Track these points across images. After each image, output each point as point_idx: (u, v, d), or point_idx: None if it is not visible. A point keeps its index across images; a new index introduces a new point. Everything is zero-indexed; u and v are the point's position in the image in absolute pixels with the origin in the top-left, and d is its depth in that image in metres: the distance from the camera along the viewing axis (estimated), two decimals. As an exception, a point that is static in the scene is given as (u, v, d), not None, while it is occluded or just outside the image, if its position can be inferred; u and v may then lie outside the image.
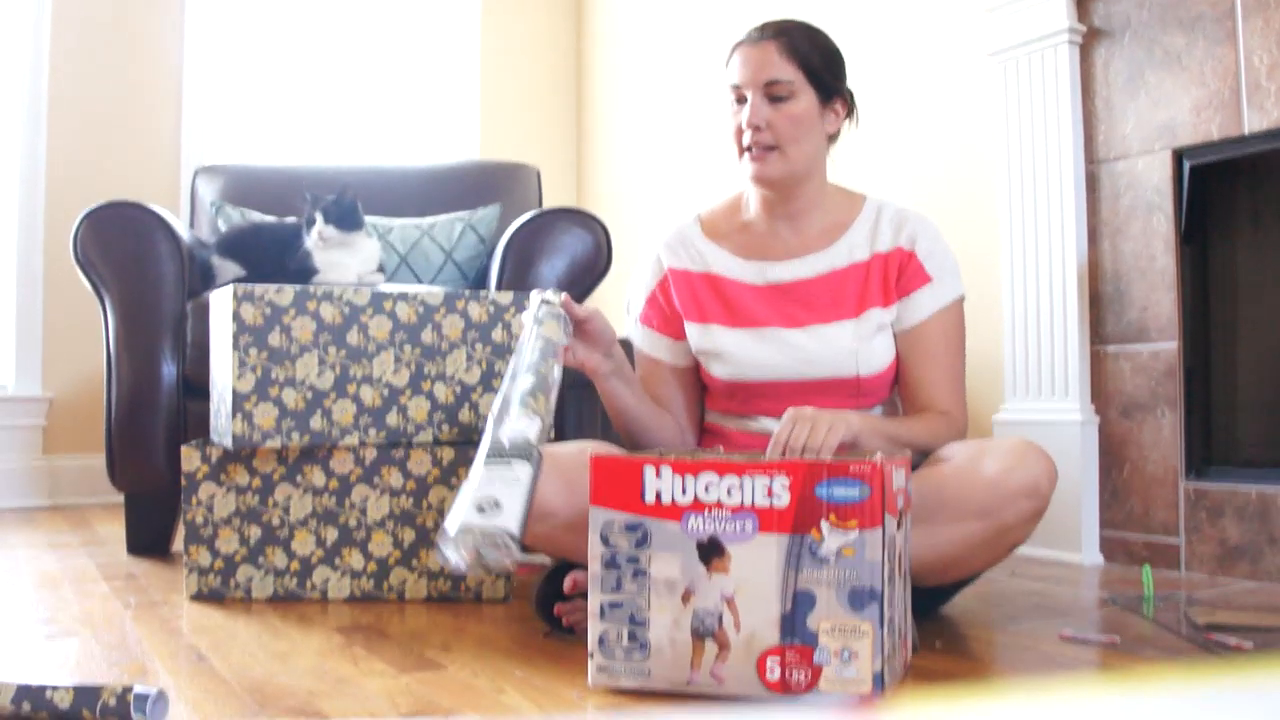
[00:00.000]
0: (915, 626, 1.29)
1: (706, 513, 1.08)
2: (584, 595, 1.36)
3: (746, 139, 1.47)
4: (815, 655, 1.04)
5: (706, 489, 1.08)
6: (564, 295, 1.39)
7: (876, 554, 1.04)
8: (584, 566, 1.35)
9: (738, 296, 1.53)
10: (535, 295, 1.39)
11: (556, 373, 1.25)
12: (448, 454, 1.70)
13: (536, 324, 1.31)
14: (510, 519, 1.03)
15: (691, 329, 1.55)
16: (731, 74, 1.49)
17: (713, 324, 1.53)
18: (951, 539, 1.30)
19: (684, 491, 1.09)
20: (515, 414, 1.15)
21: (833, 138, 1.53)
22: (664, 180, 3.27)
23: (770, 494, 1.07)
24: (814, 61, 1.46)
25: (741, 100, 1.48)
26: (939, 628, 1.45)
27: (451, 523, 1.02)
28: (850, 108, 1.53)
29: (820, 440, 1.26)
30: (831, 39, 1.51)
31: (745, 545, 1.07)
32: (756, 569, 1.07)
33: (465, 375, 1.73)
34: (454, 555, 1.01)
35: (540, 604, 1.42)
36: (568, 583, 1.34)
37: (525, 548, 1.11)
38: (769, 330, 1.51)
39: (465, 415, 1.73)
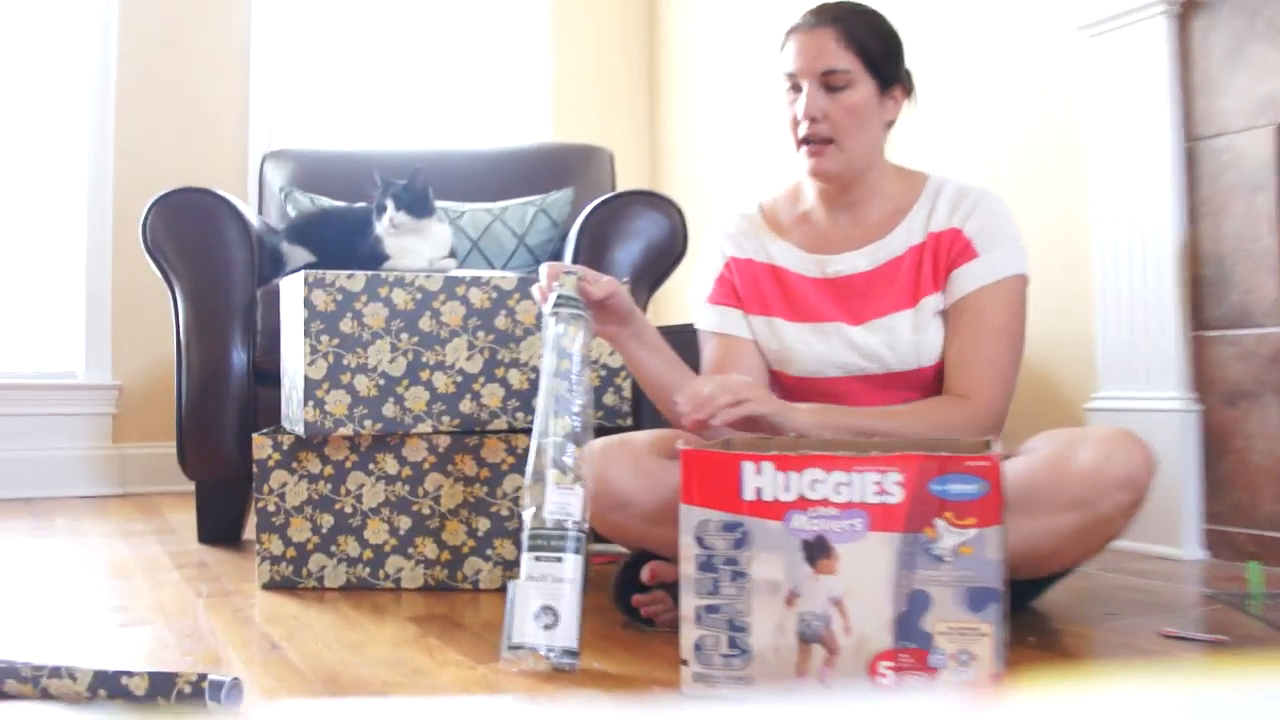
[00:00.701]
0: (1009, 622, 1.28)
1: (812, 510, 1.05)
2: (663, 586, 1.36)
3: (802, 130, 1.44)
4: (930, 658, 1.01)
5: (812, 485, 1.05)
6: (579, 272, 1.30)
7: (996, 552, 1.00)
8: (663, 557, 1.35)
9: (799, 290, 1.51)
10: (545, 271, 1.31)
11: (589, 397, 1.23)
12: (522, 441, 1.70)
13: (558, 323, 1.27)
14: (567, 632, 1.13)
15: (755, 322, 1.53)
16: (786, 61, 1.45)
17: (776, 317, 1.51)
18: (1045, 531, 1.27)
19: (787, 488, 1.05)
20: (553, 484, 1.17)
21: (890, 124, 1.50)
22: (741, 164, 3.22)
23: (881, 490, 1.03)
24: (872, 49, 1.42)
25: (797, 89, 1.45)
26: (1033, 622, 1.42)
27: (514, 634, 1.13)
28: (909, 91, 1.49)
29: (721, 403, 1.25)
30: (889, 22, 1.47)
31: (855, 544, 1.04)
32: (867, 569, 1.03)
33: (539, 361, 1.69)
34: (516, 662, 1.14)
35: (618, 595, 1.41)
36: (646, 573, 1.34)
37: (576, 652, 1.17)
38: (831, 326, 1.48)
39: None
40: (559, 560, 1.16)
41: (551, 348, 1.25)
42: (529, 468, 1.19)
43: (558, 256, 2.42)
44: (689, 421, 1.27)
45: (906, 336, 1.44)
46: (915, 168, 1.55)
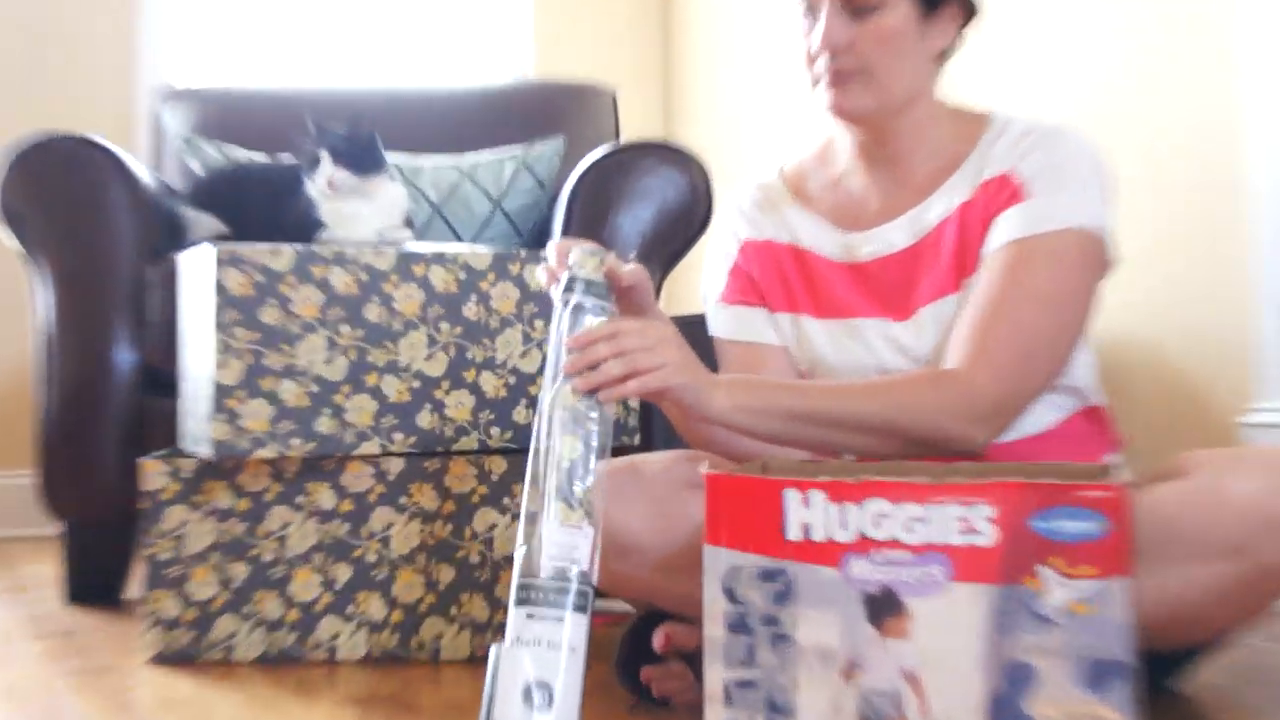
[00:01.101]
0: (1144, 708, 1.23)
1: (877, 554, 1.05)
2: (682, 655, 1.36)
3: (820, 65, 1.45)
4: (1035, 754, 1.02)
5: (876, 522, 1.05)
6: (607, 256, 1.32)
7: (1122, 612, 1.01)
8: (679, 617, 1.35)
9: (825, 278, 1.52)
10: (555, 250, 1.32)
11: (609, 412, 1.23)
12: (498, 465, 1.71)
13: (575, 314, 1.28)
14: (564, 716, 1.11)
15: (782, 321, 1.55)
16: None
17: (803, 314, 1.53)
18: (1188, 585, 1.25)
19: (844, 525, 1.06)
20: (554, 519, 1.17)
21: (943, 55, 1.50)
22: (780, 107, 3.23)
23: (967, 528, 1.03)
24: None
25: (813, 13, 1.46)
26: (1176, 710, 1.42)
27: (496, 716, 1.11)
28: (969, 10, 1.49)
29: (610, 373, 1.22)
30: None
31: (934, 600, 1.04)
32: (950, 633, 1.03)
33: (521, 362, 1.73)
34: None
35: (623, 667, 1.42)
36: (659, 639, 1.34)
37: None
38: (868, 323, 1.50)
39: (521, 414, 1.73)
40: (558, 620, 1.14)
41: (564, 345, 1.25)
42: (524, 498, 1.19)
43: (546, 225, 2.42)
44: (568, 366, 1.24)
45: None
46: (981, 108, 1.55)
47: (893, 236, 1.50)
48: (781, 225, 1.56)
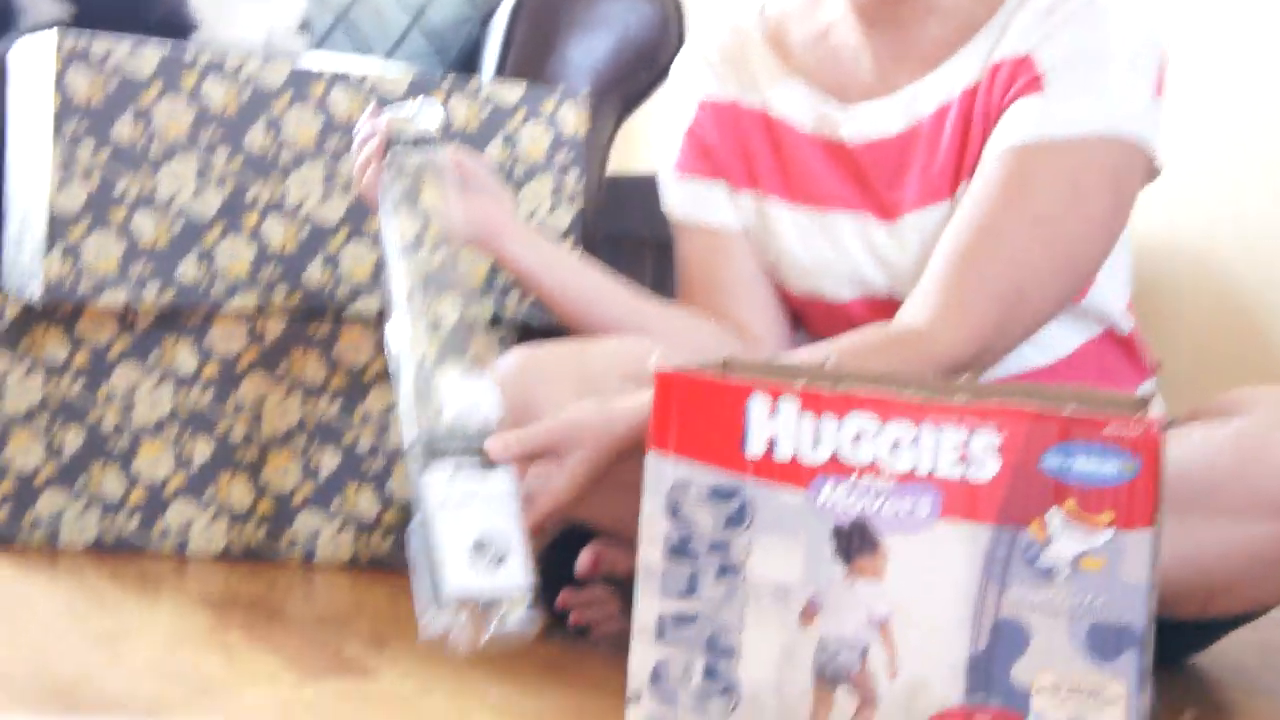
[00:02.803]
0: (1155, 682, 1.23)
1: (853, 480, 1.05)
2: (609, 580, 1.38)
3: None
4: (1021, 728, 1.04)
5: (856, 440, 1.05)
6: (433, 116, 1.41)
7: (1140, 571, 1.01)
8: (608, 535, 1.36)
9: (800, 156, 1.52)
10: (378, 117, 1.40)
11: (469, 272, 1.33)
12: None
13: (402, 176, 1.36)
14: (518, 567, 1.16)
15: (743, 201, 1.55)
16: None
17: (769, 195, 1.53)
18: (1222, 547, 1.29)
19: (816, 441, 1.05)
20: (453, 378, 1.22)
21: None
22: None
23: (965, 458, 1.03)
24: None
25: None
26: (1195, 688, 1.44)
27: (440, 578, 1.14)
28: None
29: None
30: None
31: (916, 538, 1.04)
32: (931, 578, 1.04)
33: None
34: (453, 627, 1.14)
35: (539, 589, 1.40)
36: (585, 560, 1.35)
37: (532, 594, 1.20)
38: (846, 218, 1.49)
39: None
40: (488, 468, 1.18)
41: (400, 212, 1.32)
42: (403, 385, 1.23)
43: (475, 51, 2.41)
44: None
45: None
46: None
47: (883, 117, 1.48)
48: (750, 84, 1.55)
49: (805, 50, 1.54)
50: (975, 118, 1.43)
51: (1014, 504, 1.02)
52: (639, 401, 1.27)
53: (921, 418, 1.03)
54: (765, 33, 1.57)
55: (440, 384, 1.22)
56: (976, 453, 1.02)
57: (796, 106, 1.52)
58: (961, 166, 1.44)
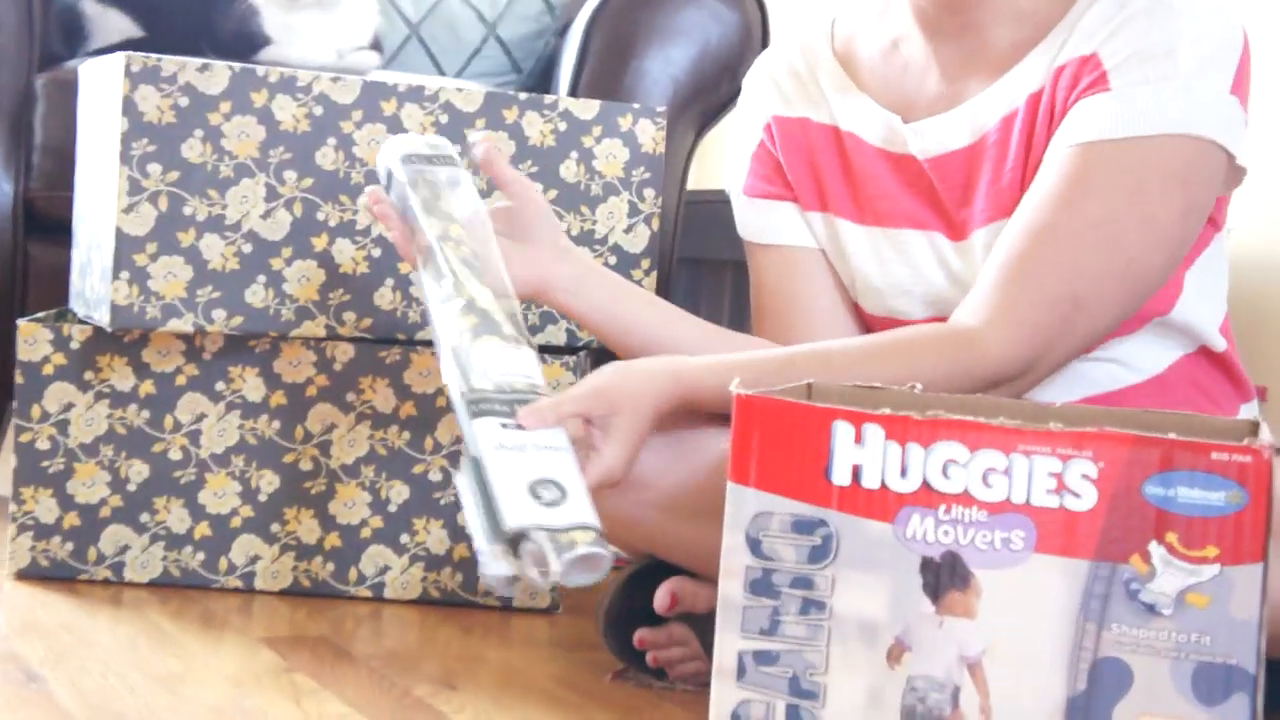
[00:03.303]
0: None
1: (944, 511, 1.05)
2: (686, 618, 1.38)
3: None
4: (1123, 778, 1.02)
5: (946, 470, 1.05)
6: (481, 141, 1.44)
7: (1250, 608, 0.99)
8: (687, 571, 1.37)
9: (871, 172, 1.53)
10: (397, 146, 1.45)
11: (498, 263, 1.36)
12: None
13: (421, 188, 1.41)
14: (580, 506, 1.17)
15: (813, 222, 1.56)
16: None
17: (838, 216, 1.54)
18: None
19: (904, 471, 1.05)
20: (495, 346, 1.26)
21: None
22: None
23: (1061, 487, 1.02)
24: None
25: None
26: None
27: (498, 512, 1.14)
28: None
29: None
30: None
31: (1010, 573, 1.04)
32: (1027, 616, 1.03)
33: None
34: (518, 569, 1.13)
35: (612, 626, 1.43)
36: (663, 597, 1.36)
37: (603, 532, 1.19)
38: (918, 236, 1.50)
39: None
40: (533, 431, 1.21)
41: (428, 213, 1.37)
42: (442, 357, 1.27)
43: (551, 63, 2.42)
44: None
45: None
46: None
47: (951, 131, 1.48)
48: (820, 100, 1.56)
49: (874, 65, 1.55)
50: (1039, 123, 1.43)
51: (1113, 536, 1.01)
52: (685, 361, 1.29)
53: (1013, 446, 1.03)
54: (834, 49, 1.58)
55: (480, 352, 1.24)
56: (1072, 482, 1.02)
57: (866, 123, 1.53)
58: (1025, 177, 1.43)
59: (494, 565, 1.13)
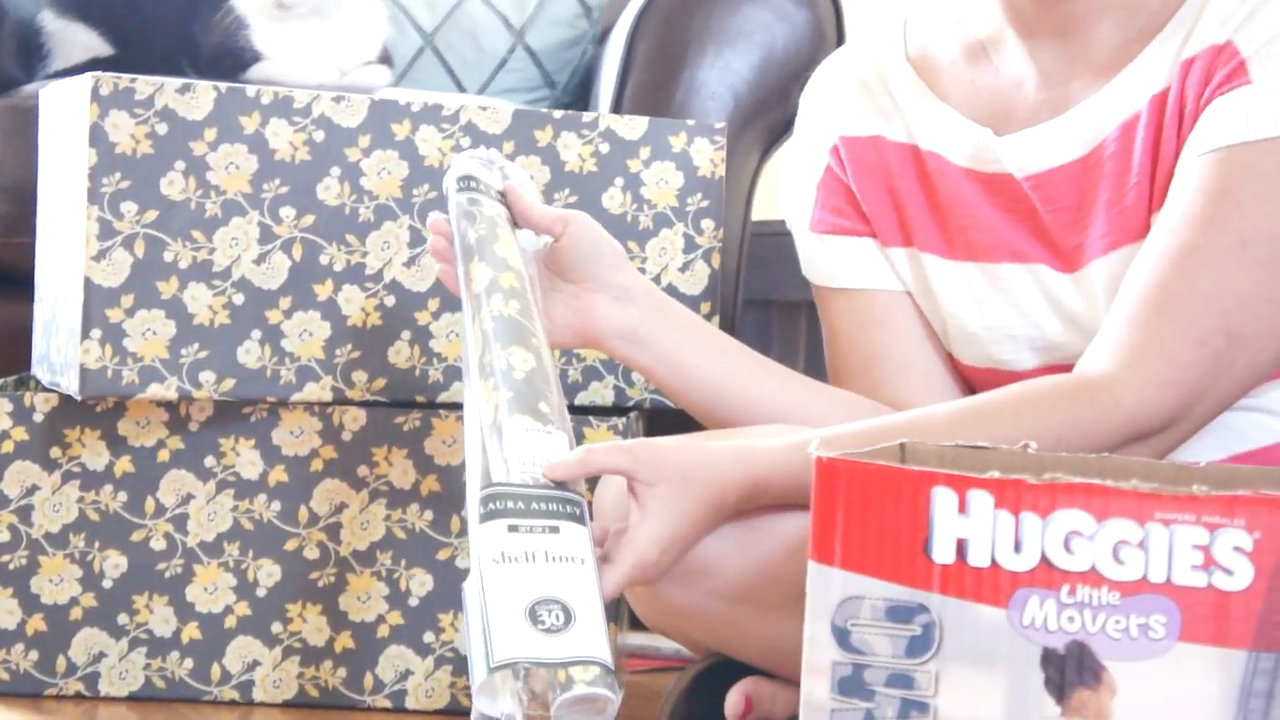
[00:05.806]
0: None
1: (1067, 593, 1.04)
2: None
3: None
4: None
5: (1069, 543, 1.04)
6: (512, 175, 1.47)
7: None
8: (761, 671, 1.38)
9: (962, 199, 1.54)
10: (458, 166, 1.49)
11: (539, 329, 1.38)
12: None
13: (478, 222, 1.43)
14: (590, 636, 1.17)
15: (894, 258, 1.58)
16: None
17: (925, 251, 1.56)
18: None
19: (1019, 545, 1.05)
20: (520, 431, 1.27)
21: None
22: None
23: (1210, 561, 1.02)
24: None
25: None
26: None
27: (497, 648, 1.15)
28: None
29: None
30: None
31: (1149, 665, 1.03)
32: (1170, 716, 1.03)
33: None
34: (507, 706, 1.15)
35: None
36: (736, 702, 1.37)
37: (613, 669, 1.19)
38: (1014, 271, 1.51)
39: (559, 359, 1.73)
40: (553, 531, 1.21)
41: (471, 259, 1.39)
42: (466, 433, 1.29)
43: (589, 75, 2.44)
44: None
45: None
46: None
47: (1056, 142, 1.48)
48: (894, 112, 1.57)
49: (956, 72, 1.56)
50: (1167, 127, 1.43)
51: (1275, 620, 1.00)
52: (754, 443, 1.28)
53: (1149, 514, 1.02)
54: (908, 54, 1.59)
55: (508, 434, 1.25)
56: (1222, 556, 1.01)
57: (949, 139, 1.54)
58: (1155, 194, 1.43)
59: (485, 699, 1.16)
